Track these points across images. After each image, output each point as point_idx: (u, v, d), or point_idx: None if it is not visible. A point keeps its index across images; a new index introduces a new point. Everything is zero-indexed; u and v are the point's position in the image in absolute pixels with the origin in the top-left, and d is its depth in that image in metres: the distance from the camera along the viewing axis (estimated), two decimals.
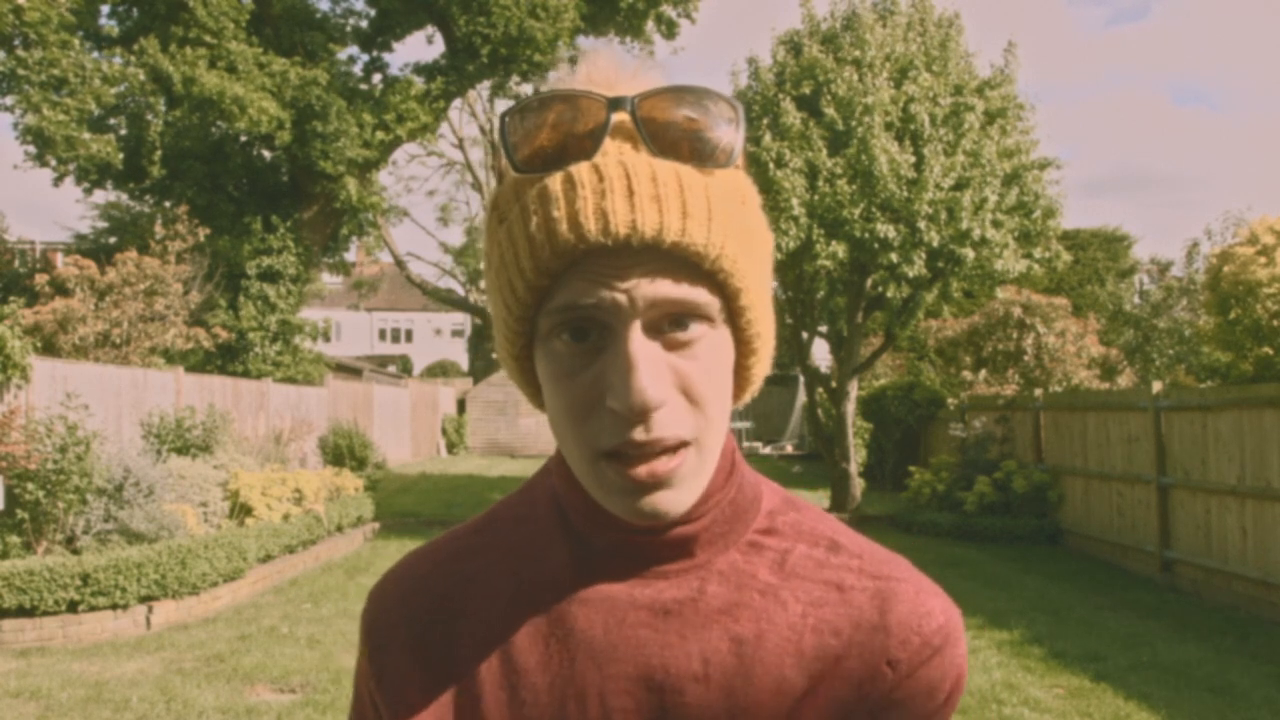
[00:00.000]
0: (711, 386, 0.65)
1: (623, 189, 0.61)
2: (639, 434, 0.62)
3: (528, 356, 0.69)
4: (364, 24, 17.25)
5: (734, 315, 0.67)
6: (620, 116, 0.63)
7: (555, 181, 0.62)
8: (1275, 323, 9.94)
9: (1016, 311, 14.87)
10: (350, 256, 22.47)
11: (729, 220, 0.64)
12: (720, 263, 0.63)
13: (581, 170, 0.62)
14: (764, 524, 0.74)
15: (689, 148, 0.63)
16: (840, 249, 11.35)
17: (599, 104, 0.63)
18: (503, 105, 36.82)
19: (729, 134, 0.64)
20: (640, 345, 0.62)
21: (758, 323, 0.68)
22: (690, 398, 0.64)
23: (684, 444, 0.64)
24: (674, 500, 0.65)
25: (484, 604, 0.74)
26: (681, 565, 0.71)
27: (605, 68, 0.67)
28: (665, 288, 0.62)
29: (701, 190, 0.63)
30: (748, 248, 0.66)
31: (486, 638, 0.73)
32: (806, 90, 12.05)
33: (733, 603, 0.70)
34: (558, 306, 0.63)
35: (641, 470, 0.63)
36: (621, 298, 0.61)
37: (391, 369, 35.03)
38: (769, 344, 0.71)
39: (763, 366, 0.72)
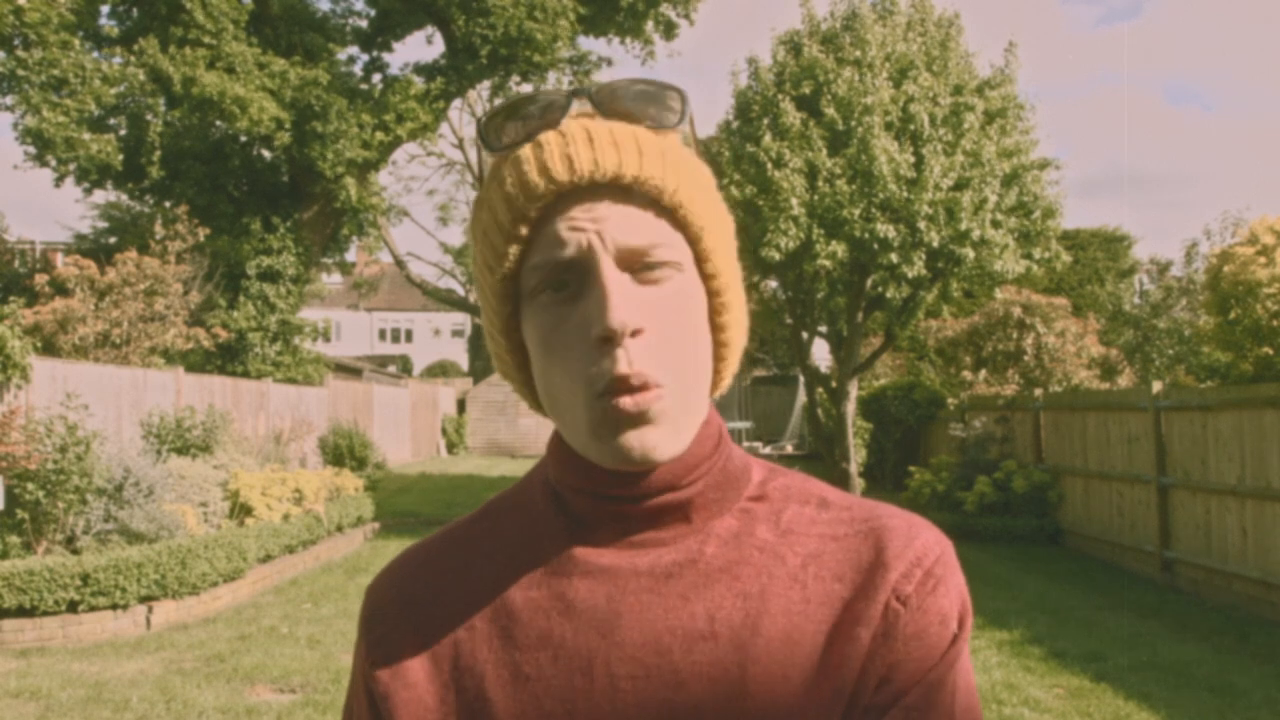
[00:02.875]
0: (684, 324, 0.69)
1: (584, 138, 0.68)
2: (622, 364, 0.65)
3: (516, 329, 0.73)
4: (364, 24, 17.26)
5: (699, 260, 0.71)
6: (580, 104, 0.71)
7: (525, 148, 0.70)
8: (1275, 323, 9.93)
9: (1016, 311, 14.86)
10: (350, 256, 22.46)
11: (684, 170, 0.70)
12: (679, 197, 0.69)
13: (548, 134, 0.69)
14: (755, 492, 0.76)
15: (640, 118, 0.71)
16: (840, 249, 11.35)
17: (562, 95, 0.71)
18: None
19: (675, 108, 0.71)
20: (613, 274, 0.67)
21: (724, 273, 0.73)
22: (664, 332, 0.68)
23: (661, 384, 0.68)
24: (656, 438, 0.67)
25: (482, 586, 0.75)
26: (678, 531, 0.73)
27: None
28: (632, 221, 0.68)
29: (655, 142, 0.70)
30: (706, 197, 0.72)
31: (486, 618, 0.74)
32: (806, 90, 12.06)
33: (733, 561, 0.72)
34: (538, 262, 0.69)
35: (627, 400, 0.66)
36: (594, 237, 0.67)
37: (391, 369, 35.01)
38: (739, 306, 0.75)
39: (736, 332, 0.75)
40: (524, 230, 0.69)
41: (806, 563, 0.71)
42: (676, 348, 0.68)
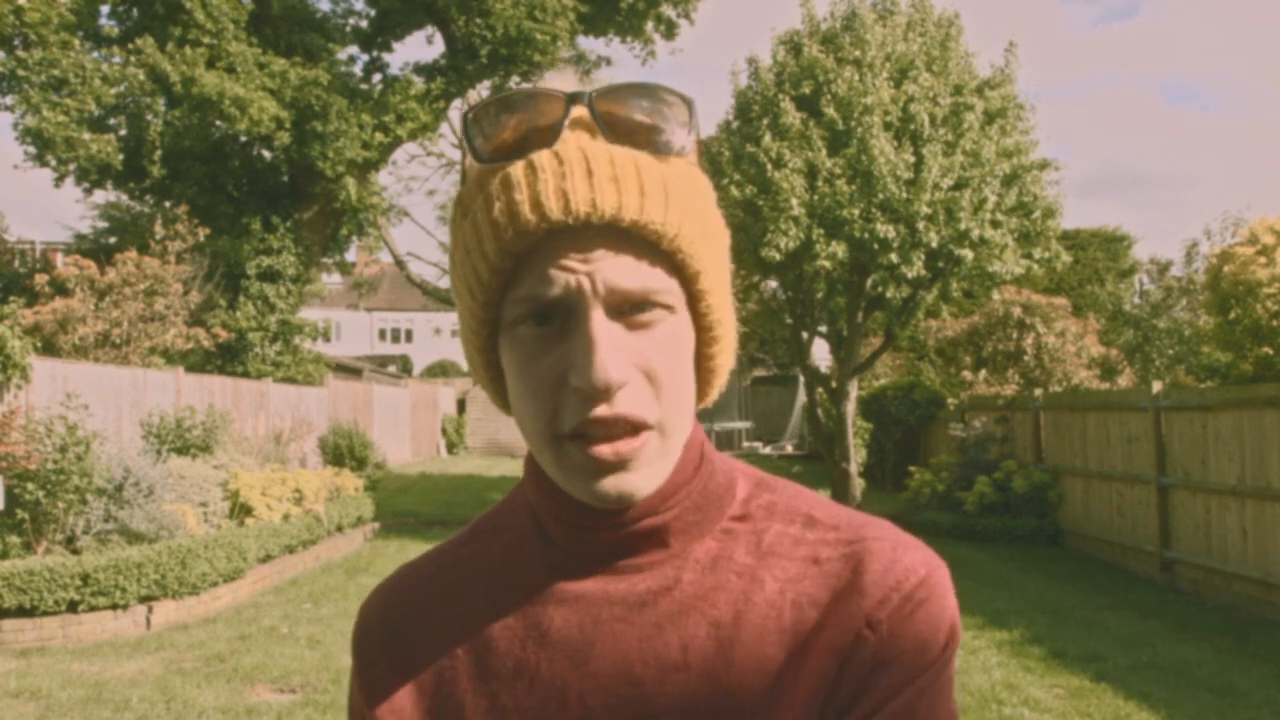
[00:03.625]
0: (673, 369, 0.66)
1: (582, 171, 0.63)
2: (602, 410, 0.63)
3: (493, 349, 0.70)
4: (364, 24, 17.25)
5: (694, 300, 0.68)
6: (579, 110, 0.66)
7: (517, 169, 0.64)
8: (1275, 323, 9.92)
9: (1016, 311, 14.86)
10: (350, 256, 22.45)
11: (686, 203, 0.66)
12: (678, 242, 0.65)
13: (542, 156, 0.64)
14: (739, 510, 0.74)
15: (644, 138, 0.66)
16: (840, 249, 11.35)
17: (558, 99, 0.65)
18: None
19: (682, 124, 0.67)
20: (602, 324, 0.63)
21: (717, 309, 0.69)
22: (652, 379, 0.65)
23: (646, 427, 0.65)
24: (636, 482, 0.65)
25: (464, 614, 0.75)
26: (656, 557, 0.71)
27: (569, 77, 0.70)
28: (626, 267, 0.64)
29: (658, 174, 0.65)
30: (705, 232, 0.68)
31: (466, 647, 0.74)
32: (806, 90, 12.05)
33: (709, 587, 0.70)
34: (521, 296, 0.65)
35: (605, 449, 0.64)
36: (584, 280, 0.63)
37: (391, 369, 35.01)
38: (730, 335, 0.72)
39: (725, 358, 0.73)
40: (509, 263, 0.65)
41: (785, 588, 0.69)
42: (663, 393, 0.65)
